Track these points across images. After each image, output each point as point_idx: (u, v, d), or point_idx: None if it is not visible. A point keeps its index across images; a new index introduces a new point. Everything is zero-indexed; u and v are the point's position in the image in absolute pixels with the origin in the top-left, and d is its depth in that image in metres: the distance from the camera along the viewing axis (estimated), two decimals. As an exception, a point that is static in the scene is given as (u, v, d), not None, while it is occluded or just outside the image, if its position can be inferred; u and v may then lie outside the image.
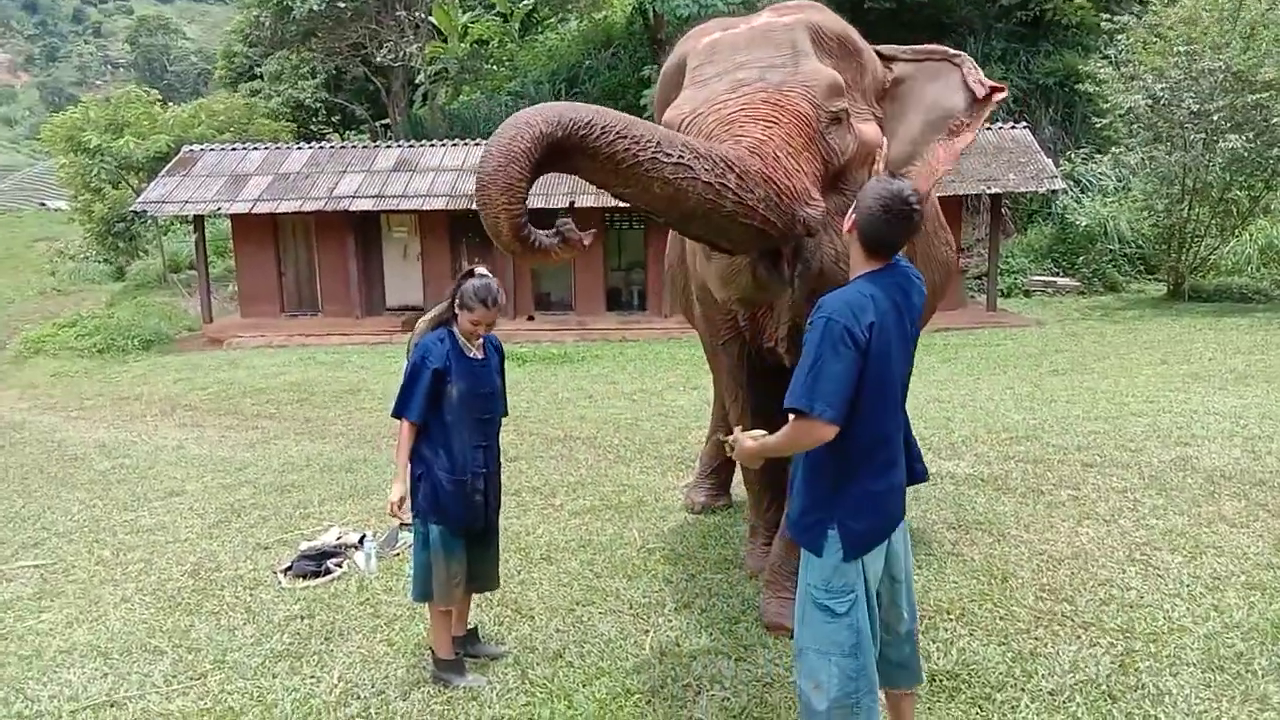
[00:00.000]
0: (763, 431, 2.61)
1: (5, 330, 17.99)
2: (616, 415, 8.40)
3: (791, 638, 3.61)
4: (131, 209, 17.26)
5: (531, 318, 15.75)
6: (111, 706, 3.37)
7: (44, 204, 44.90)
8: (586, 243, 2.65)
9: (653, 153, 2.49)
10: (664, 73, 3.66)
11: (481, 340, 3.48)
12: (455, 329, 3.43)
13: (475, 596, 4.14)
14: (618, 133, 2.44)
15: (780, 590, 3.82)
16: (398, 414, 3.39)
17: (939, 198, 5.19)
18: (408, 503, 3.38)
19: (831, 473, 2.48)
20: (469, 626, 3.70)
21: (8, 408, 11.12)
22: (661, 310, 15.30)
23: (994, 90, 3.36)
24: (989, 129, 16.23)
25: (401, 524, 5.23)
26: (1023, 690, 3.15)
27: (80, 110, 21.70)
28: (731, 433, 2.73)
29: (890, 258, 2.52)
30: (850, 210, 2.55)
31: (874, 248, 2.49)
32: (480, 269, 3.44)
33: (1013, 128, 16.24)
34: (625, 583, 4.32)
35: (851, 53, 3.34)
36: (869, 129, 3.23)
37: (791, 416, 2.41)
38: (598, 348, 13.45)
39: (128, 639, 3.94)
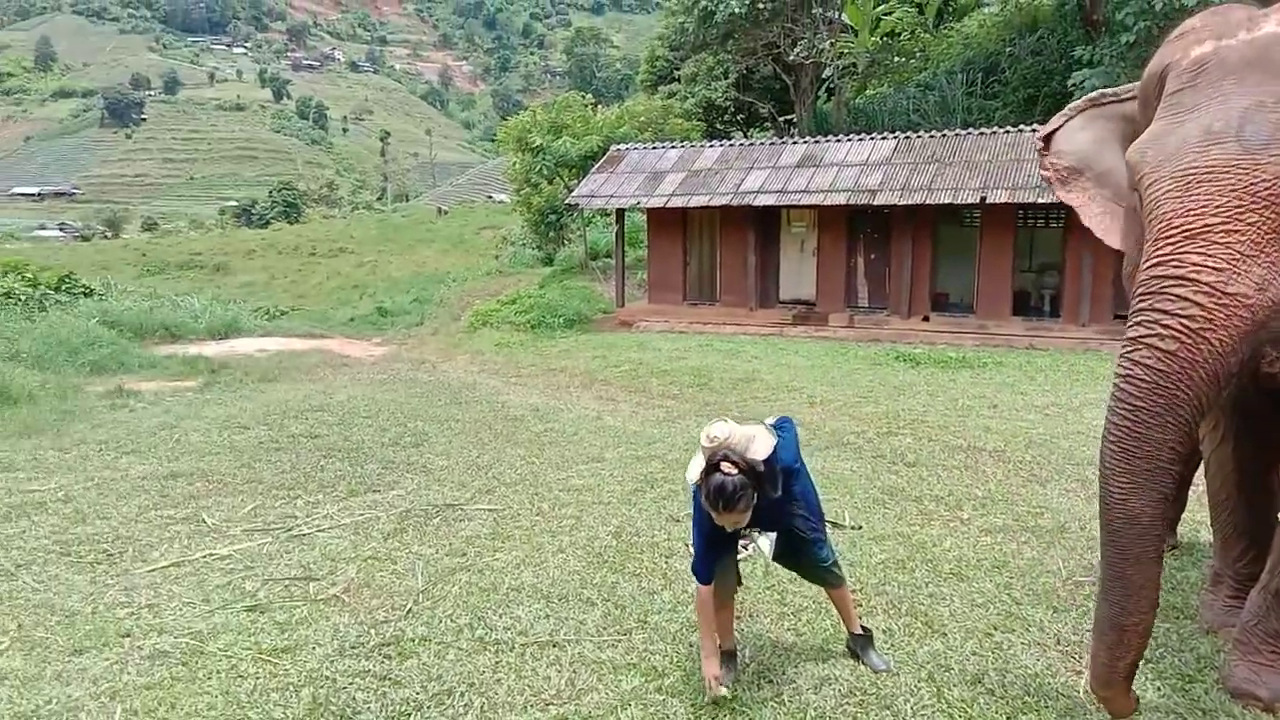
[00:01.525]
0: None
1: (459, 305, 21.17)
2: (1027, 429, 7.77)
3: (1265, 710, 3.09)
4: (566, 202, 19.34)
5: (927, 318, 15.13)
6: (554, 646, 3.77)
7: (490, 196, 52.19)
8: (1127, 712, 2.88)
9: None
10: (1145, 78, 3.21)
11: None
12: None
13: (880, 603, 4.06)
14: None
15: (1252, 653, 3.27)
16: (702, 581, 3.33)
17: None
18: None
19: None
20: (864, 628, 3.63)
21: (462, 369, 13.06)
22: (1079, 319, 13.89)
23: None
24: None
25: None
26: None
27: (529, 114, 24.78)
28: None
29: None
30: None
31: None
32: (726, 464, 3.05)
33: None
34: (1049, 614, 3.96)
35: None
36: None
37: None
38: (1000, 354, 12.57)
39: (565, 586, 4.39)
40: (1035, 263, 15.44)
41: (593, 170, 18.54)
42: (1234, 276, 2.51)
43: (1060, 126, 3.91)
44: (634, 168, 17.81)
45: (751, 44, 22.62)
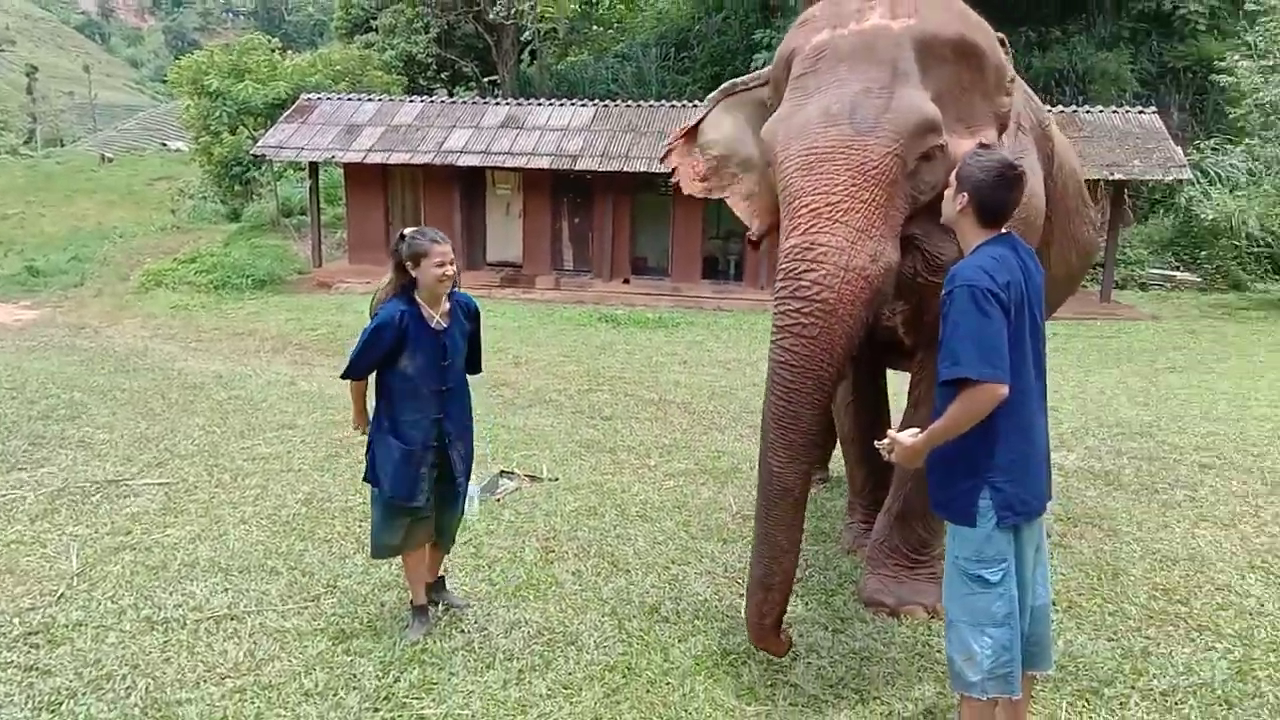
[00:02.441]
0: (917, 430, 2.55)
1: (128, 263, 18.91)
2: (711, 382, 8.41)
3: (890, 615, 3.61)
4: (251, 153, 17.86)
5: (627, 280, 15.80)
6: (232, 619, 3.56)
7: (165, 144, 46.84)
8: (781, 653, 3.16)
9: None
10: (775, 61, 3.48)
11: (449, 307, 3.39)
12: (416, 296, 3.34)
13: (572, 548, 4.25)
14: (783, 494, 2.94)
15: (880, 568, 3.80)
16: (346, 377, 3.38)
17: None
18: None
19: (977, 438, 2.43)
20: (440, 574, 3.72)
21: (131, 335, 11.73)
22: (758, 282, 15.17)
23: None
24: (1115, 112, 15.48)
25: (502, 471, 5.39)
26: (1132, 688, 3.07)
27: (205, 55, 22.47)
28: (882, 438, 2.64)
29: (1001, 226, 2.52)
30: (954, 192, 2.54)
31: (990, 217, 2.50)
32: (406, 230, 3.39)
33: (1140, 113, 15.46)
34: (720, 546, 4.35)
35: (967, 55, 3.09)
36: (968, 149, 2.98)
37: (953, 390, 2.39)
38: (692, 315, 13.44)
39: (246, 558, 4.15)
40: (722, 230, 16.58)
41: (281, 120, 17.27)
42: (854, 253, 2.80)
43: (704, 118, 4.06)
44: (328, 119, 16.83)
45: (451, -1, 22.11)
